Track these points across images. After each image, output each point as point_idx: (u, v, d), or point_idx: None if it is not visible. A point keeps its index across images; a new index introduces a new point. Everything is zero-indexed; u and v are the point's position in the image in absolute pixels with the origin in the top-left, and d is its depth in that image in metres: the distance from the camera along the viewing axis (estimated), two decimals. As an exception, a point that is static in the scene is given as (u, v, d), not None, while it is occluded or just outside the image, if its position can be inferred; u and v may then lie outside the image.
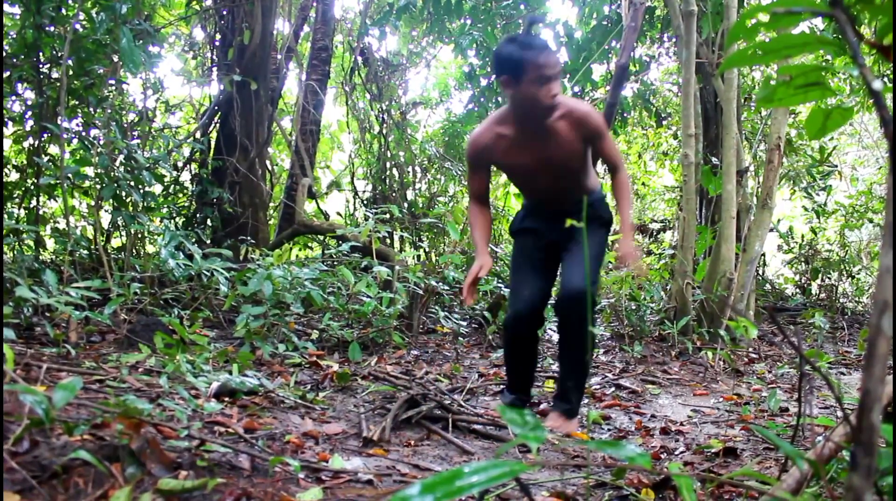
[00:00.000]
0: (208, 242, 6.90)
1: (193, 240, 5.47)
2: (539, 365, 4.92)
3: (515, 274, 3.56)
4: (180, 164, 7.55)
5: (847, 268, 9.69)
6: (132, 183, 4.81)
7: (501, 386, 4.21)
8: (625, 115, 9.97)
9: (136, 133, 6.11)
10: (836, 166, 10.40)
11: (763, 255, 9.89)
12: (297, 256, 9.10)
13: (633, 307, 6.32)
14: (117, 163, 4.90)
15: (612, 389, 4.42)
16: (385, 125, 9.80)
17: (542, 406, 3.84)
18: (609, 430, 3.51)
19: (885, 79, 7.51)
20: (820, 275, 10.15)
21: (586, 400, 4.09)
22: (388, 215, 6.47)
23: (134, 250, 5.69)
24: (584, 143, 3.34)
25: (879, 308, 0.79)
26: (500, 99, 9.40)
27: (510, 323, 3.47)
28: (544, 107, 3.19)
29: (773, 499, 1.17)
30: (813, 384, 4.45)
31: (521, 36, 3.24)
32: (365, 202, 9.88)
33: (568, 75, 8.89)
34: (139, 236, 5.78)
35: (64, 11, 5.00)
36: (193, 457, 1.99)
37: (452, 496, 0.82)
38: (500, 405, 3.27)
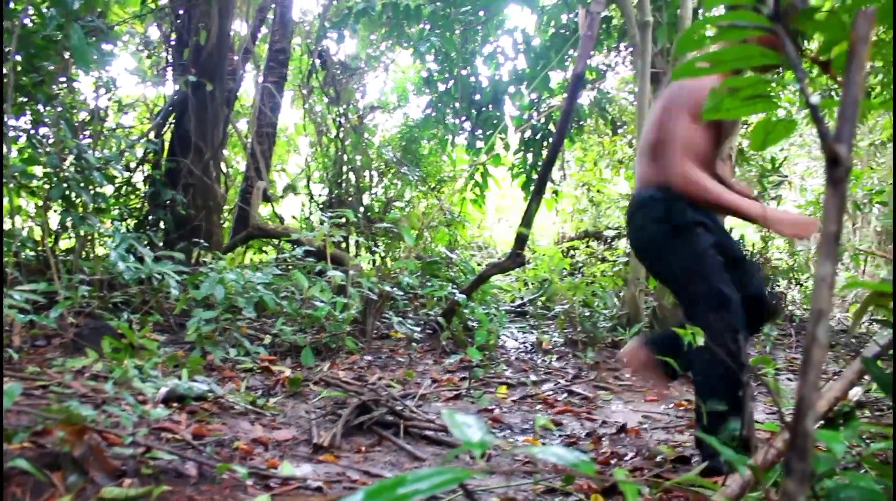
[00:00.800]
0: (161, 244, 6.79)
1: (145, 243, 5.38)
2: (493, 371, 4.94)
3: (713, 269, 2.73)
4: (133, 165, 7.42)
5: (796, 276, 9.92)
6: (82, 183, 4.72)
7: (455, 392, 4.22)
8: (581, 122, 10.06)
9: (87, 132, 5.98)
10: (787, 176, 10.62)
11: (714, 262, 10.02)
12: (251, 259, 9.01)
13: (587, 314, 6.38)
14: (67, 163, 4.80)
15: (565, 395, 4.44)
16: (342, 129, 9.75)
17: (495, 412, 3.85)
18: (561, 436, 3.53)
19: (834, 93, 7.69)
20: (770, 283, 10.35)
21: (538, 406, 4.12)
22: (343, 220, 6.44)
23: (83, 253, 5.58)
24: None
25: (815, 317, 0.81)
26: (457, 105, 9.43)
27: (733, 324, 2.63)
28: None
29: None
30: (761, 390, 4.54)
31: None
32: (321, 206, 9.82)
33: (525, 82, 8.95)
34: (89, 237, 5.67)
35: (12, 5, 4.89)
36: (138, 465, 1.96)
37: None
38: (447, 410, 3.24)
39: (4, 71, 4.74)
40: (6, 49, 4.71)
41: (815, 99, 0.81)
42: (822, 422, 1.77)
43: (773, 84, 1.23)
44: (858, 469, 2.09)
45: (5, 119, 4.60)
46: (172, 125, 7.66)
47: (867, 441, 2.30)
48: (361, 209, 9.31)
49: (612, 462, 3.09)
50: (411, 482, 0.89)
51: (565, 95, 6.52)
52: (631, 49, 7.52)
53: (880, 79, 9.95)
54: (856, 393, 3.99)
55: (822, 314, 0.80)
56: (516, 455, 2.95)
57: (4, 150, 4.68)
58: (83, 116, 6.10)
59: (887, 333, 1.78)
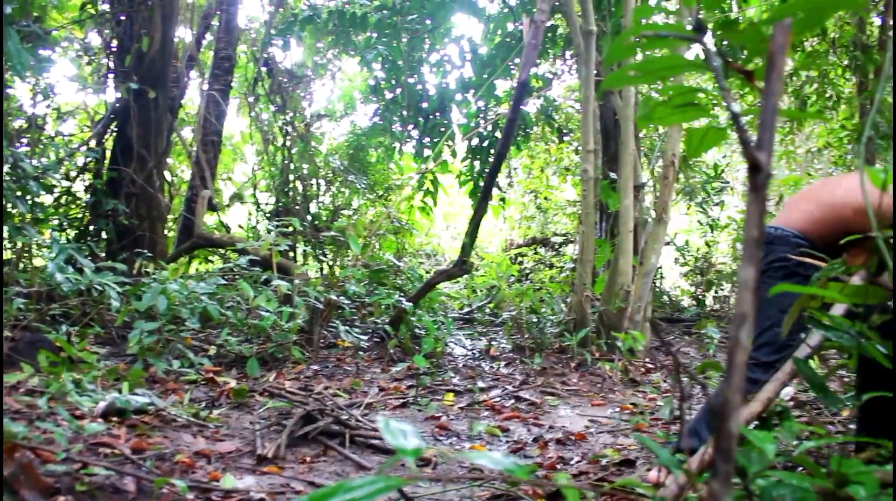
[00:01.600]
0: (102, 255, 6.65)
1: (86, 253, 5.26)
2: (440, 378, 4.95)
3: None
4: (73, 174, 7.27)
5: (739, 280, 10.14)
6: (18, 193, 4.60)
7: (402, 400, 4.21)
8: (527, 130, 10.14)
9: (24, 140, 5.85)
10: (729, 183, 10.88)
11: (660, 268, 10.22)
12: (196, 269, 8.87)
13: (534, 320, 6.42)
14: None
15: (512, 401, 4.46)
16: (289, 137, 9.68)
17: (442, 420, 3.85)
18: (507, 442, 3.54)
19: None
20: (714, 287, 10.56)
21: (485, 413, 4.13)
22: (289, 228, 6.39)
23: (20, 264, 5.43)
24: None
25: (738, 321, 0.83)
26: (405, 113, 9.43)
27: None
28: None
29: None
30: (703, 393, 4.61)
31: None
32: (268, 215, 9.72)
33: (472, 90, 8.99)
34: (26, 248, 5.52)
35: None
36: (73, 481, 1.91)
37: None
38: (382, 418, 3.23)
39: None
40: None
41: (736, 107, 0.83)
42: (756, 423, 1.81)
43: (703, 94, 1.26)
44: (795, 468, 2.14)
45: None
46: (114, 133, 7.52)
47: (804, 440, 2.35)
48: (308, 218, 9.24)
49: (559, 466, 3.11)
50: (349, 489, 0.89)
51: (511, 102, 6.58)
52: (576, 58, 7.61)
53: (815, 88, 10.23)
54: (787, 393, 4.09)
55: (745, 318, 0.82)
56: (462, 462, 2.95)
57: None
58: (19, 123, 5.96)
59: (818, 334, 1.83)
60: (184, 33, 9.21)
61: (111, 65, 7.70)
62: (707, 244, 10.76)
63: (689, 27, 0.94)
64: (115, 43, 7.63)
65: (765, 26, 0.93)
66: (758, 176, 0.82)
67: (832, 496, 1.47)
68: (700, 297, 10.65)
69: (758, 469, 1.35)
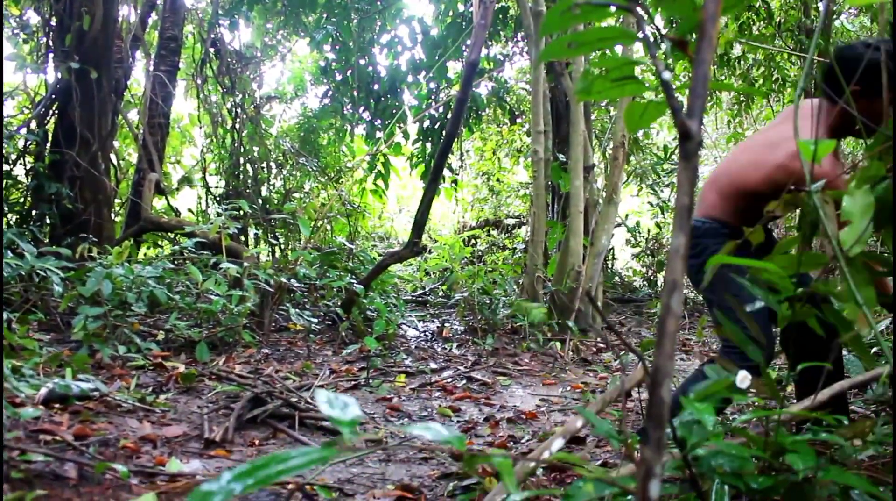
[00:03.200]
0: (46, 240, 6.49)
1: (29, 239, 5.13)
2: (392, 360, 4.94)
3: None
4: (13, 157, 7.06)
5: (688, 260, 10.32)
6: (-46, 176, 4.46)
7: (353, 382, 4.19)
8: (479, 112, 10.14)
9: (-40, 123, 5.66)
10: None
11: (612, 249, 10.34)
12: (145, 254, 8.72)
13: (486, 301, 6.44)
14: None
15: (464, 381, 4.48)
16: (238, 120, 9.53)
17: (394, 401, 3.85)
18: (459, 422, 3.56)
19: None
20: (665, 267, 10.71)
21: (437, 394, 4.14)
22: (240, 212, 6.30)
23: (-42, 249, 5.27)
24: None
25: (669, 288, 0.83)
26: (356, 93, 9.36)
27: None
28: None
29: (589, 479, 1.21)
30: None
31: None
32: (217, 198, 9.58)
33: (423, 72, 8.95)
34: (-36, 233, 5.36)
35: None
36: (10, 469, 1.87)
37: (262, 483, 0.80)
38: (317, 389, 3.22)
39: None
40: None
41: (666, 75, 0.83)
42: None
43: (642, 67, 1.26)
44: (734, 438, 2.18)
45: None
46: (56, 115, 7.31)
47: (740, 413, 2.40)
48: (259, 201, 9.13)
49: (509, 444, 3.13)
50: (283, 460, 0.88)
51: (461, 83, 6.56)
52: (526, 39, 7.62)
53: (762, 71, 10.39)
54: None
55: (676, 285, 0.82)
56: (412, 442, 2.95)
57: None
58: (-45, 105, 5.76)
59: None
60: (127, 12, 8.97)
61: (51, 44, 7.47)
62: (657, 226, 10.90)
63: (623, -3, 0.93)
64: (54, 21, 7.41)
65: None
66: (688, 143, 0.82)
67: (769, 466, 1.50)
68: (651, 278, 10.80)
69: (697, 439, 1.37)
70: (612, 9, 1.05)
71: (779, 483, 1.38)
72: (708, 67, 0.82)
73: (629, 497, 1.43)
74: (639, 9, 0.91)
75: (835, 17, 9.85)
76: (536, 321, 5.66)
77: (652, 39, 0.88)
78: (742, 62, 10.37)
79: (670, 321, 0.82)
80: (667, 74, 0.82)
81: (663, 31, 1.09)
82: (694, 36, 1.13)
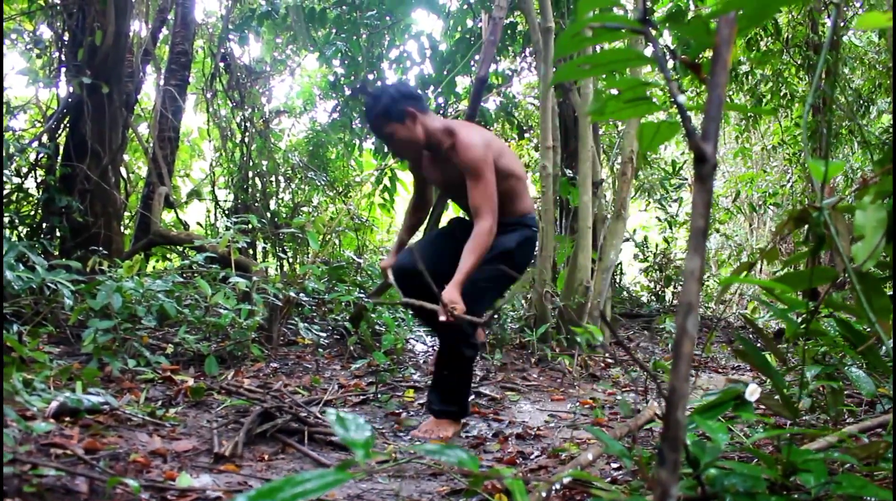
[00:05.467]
0: (56, 253, 6.52)
1: (39, 251, 5.15)
2: (401, 375, 4.94)
3: None
4: (24, 170, 7.11)
5: (697, 276, 10.29)
6: (-34, 190, 4.49)
7: (362, 396, 4.20)
8: (488, 127, 10.16)
9: (-28, 136, 5.70)
10: (687, 179, 11.03)
11: (620, 264, 10.33)
12: (154, 267, 8.75)
13: (495, 316, 6.43)
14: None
15: (472, 397, 4.47)
16: (247, 134, 9.58)
17: (402, 416, 3.85)
18: (467, 437, 3.55)
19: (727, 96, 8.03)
20: (673, 282, 10.70)
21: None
22: (248, 225, 6.33)
23: (-31, 262, 5.29)
24: (462, 173, 3.36)
25: (684, 310, 0.84)
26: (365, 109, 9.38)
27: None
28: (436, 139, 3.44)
29: (606, 499, 1.22)
30: (661, 386, 4.66)
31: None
32: (226, 212, 9.62)
33: (432, 87, 8.99)
34: (-25, 246, 5.39)
35: None
36: (21, 483, 1.87)
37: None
38: (330, 410, 3.23)
39: None
40: None
41: (681, 98, 0.84)
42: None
43: (655, 89, 1.27)
44: (751, 459, 2.18)
45: None
46: (67, 129, 7.36)
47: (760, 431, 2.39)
48: (268, 215, 9.16)
49: (518, 461, 3.13)
50: (298, 483, 0.89)
51: (470, 98, 6.58)
52: (535, 54, 7.65)
53: (770, 87, 10.41)
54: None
55: (691, 307, 0.83)
56: (422, 458, 2.95)
57: None
58: (-32, 118, 5.81)
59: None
60: (139, 27, 9.05)
61: (63, 58, 7.54)
62: (666, 241, 10.90)
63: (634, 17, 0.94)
64: (66, 36, 7.48)
65: (711, 19, 0.94)
66: (703, 166, 0.83)
67: (782, 485, 1.50)
68: (659, 292, 10.79)
69: (710, 459, 1.37)
70: (624, 30, 1.06)
71: (791, 502, 1.38)
72: (723, 91, 0.83)
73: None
74: (652, 30, 0.92)
75: (843, 32, 9.88)
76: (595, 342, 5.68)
77: (664, 61, 0.89)
78: (750, 78, 10.40)
79: (686, 343, 0.83)
80: (682, 98, 0.83)
81: (675, 52, 1.10)
82: (706, 54, 1.14)
